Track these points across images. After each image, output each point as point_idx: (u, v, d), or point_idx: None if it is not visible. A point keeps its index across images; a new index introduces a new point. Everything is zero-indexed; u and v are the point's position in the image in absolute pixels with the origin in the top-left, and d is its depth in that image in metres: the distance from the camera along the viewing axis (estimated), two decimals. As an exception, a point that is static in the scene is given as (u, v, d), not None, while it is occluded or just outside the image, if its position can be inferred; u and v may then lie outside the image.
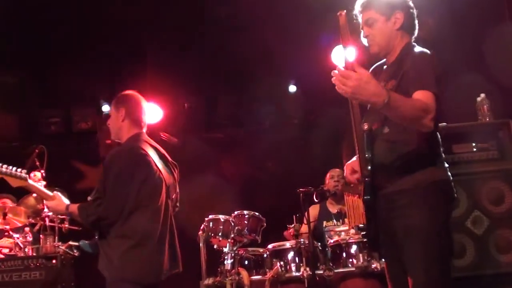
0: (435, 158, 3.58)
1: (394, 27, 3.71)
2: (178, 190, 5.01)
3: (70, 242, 6.68)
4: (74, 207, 4.69)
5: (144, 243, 4.55)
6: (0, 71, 8.70)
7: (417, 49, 3.67)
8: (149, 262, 4.57)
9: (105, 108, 8.91)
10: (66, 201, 4.81)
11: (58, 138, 9.38)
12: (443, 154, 3.65)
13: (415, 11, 3.80)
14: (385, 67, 3.82)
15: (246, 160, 8.59)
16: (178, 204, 5.01)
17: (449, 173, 3.61)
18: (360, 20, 3.81)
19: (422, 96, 3.34)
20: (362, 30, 3.81)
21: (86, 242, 4.84)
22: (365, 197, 3.47)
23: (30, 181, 4.85)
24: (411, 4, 3.80)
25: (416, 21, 3.81)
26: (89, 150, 9.47)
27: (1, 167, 4.79)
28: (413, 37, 3.79)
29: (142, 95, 8.53)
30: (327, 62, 8.31)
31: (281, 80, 8.91)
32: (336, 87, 3.25)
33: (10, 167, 4.81)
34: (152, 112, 8.88)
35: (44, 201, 4.91)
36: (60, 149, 9.33)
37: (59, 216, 6.53)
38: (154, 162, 4.76)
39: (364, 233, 3.66)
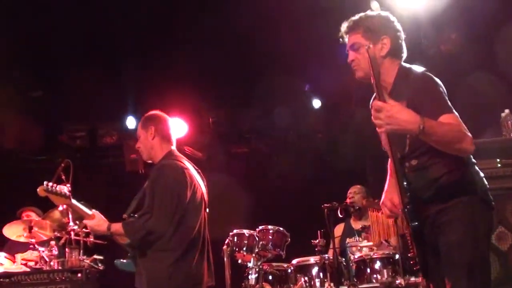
0: (470, 170, 3.55)
1: (380, 53, 3.59)
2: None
3: (95, 256, 6.74)
4: (117, 226, 4.72)
5: (187, 256, 4.63)
6: (26, 85, 8.81)
7: (415, 70, 3.59)
8: (192, 274, 4.66)
9: (130, 122, 8.95)
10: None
11: (83, 152, 9.44)
12: (475, 161, 3.60)
13: (402, 34, 3.68)
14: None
15: (270, 174, 8.58)
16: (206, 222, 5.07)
17: (486, 182, 3.58)
18: (346, 41, 3.72)
19: (449, 119, 3.33)
20: (347, 53, 3.71)
21: (123, 261, 4.90)
22: (412, 224, 3.43)
23: (73, 200, 4.92)
24: (398, 27, 3.68)
25: (404, 44, 3.68)
26: (114, 164, 9.56)
27: (47, 185, 4.85)
28: (402, 60, 3.67)
29: (166, 110, 8.68)
30: (353, 76, 8.31)
31: (306, 94, 8.90)
32: (373, 119, 3.23)
33: (55, 185, 4.88)
34: (177, 127, 8.95)
35: (84, 220, 4.95)
36: (84, 163, 9.45)
37: (84, 230, 6.59)
38: (195, 177, 4.86)
39: (413, 261, 3.63)
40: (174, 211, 4.63)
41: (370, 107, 3.28)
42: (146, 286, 4.64)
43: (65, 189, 4.96)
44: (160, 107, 8.52)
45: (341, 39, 3.76)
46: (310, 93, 8.85)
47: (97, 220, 4.82)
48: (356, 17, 3.69)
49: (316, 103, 8.97)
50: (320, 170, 8.48)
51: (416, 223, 3.42)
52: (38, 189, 4.91)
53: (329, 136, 8.78)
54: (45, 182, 4.90)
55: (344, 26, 3.72)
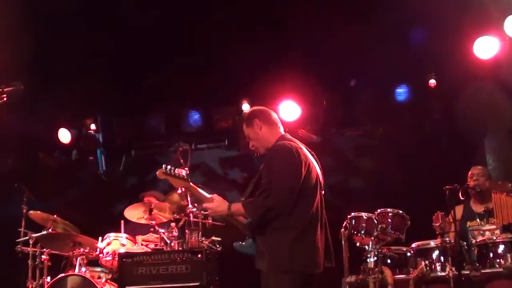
0: None
1: None
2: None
3: (213, 238, 6.85)
4: (237, 205, 4.80)
5: (307, 234, 4.65)
6: (143, 72, 9.03)
7: None
8: (312, 252, 4.66)
9: (245, 107, 9.00)
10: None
11: (199, 137, 9.58)
12: None
13: None
14: None
15: (387, 156, 8.41)
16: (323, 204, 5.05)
17: None
18: None
19: None
20: None
21: (242, 243, 4.97)
22: None
23: (191, 183, 5.04)
24: None
25: None
26: (229, 148, 9.66)
27: (165, 168, 4.98)
28: None
29: (279, 94, 8.71)
30: (470, 54, 8.06)
31: (421, 74, 8.65)
32: None
33: (174, 168, 5.00)
34: (290, 110, 8.95)
35: (204, 204, 5.06)
36: (200, 147, 9.60)
37: (203, 212, 6.71)
38: (309, 158, 4.86)
39: None
40: (292, 188, 4.64)
41: None
42: (267, 265, 4.69)
43: (183, 172, 5.07)
44: (273, 90, 8.64)
45: None
46: (427, 72, 8.58)
47: (217, 202, 4.92)
48: None
49: (432, 83, 8.67)
50: (438, 152, 8.23)
51: None
52: (157, 172, 5.06)
53: (447, 117, 8.48)
54: (163, 165, 5.03)
55: None
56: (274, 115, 5.12)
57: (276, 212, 4.62)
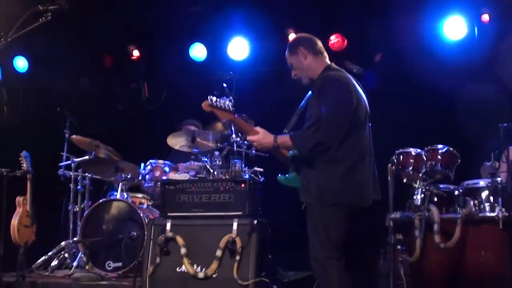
0: None
1: None
2: None
3: (255, 168, 6.80)
4: (284, 138, 4.78)
5: (357, 167, 4.65)
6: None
7: None
8: (361, 185, 4.67)
9: (291, 36, 8.77)
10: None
11: (244, 66, 9.43)
12: None
13: None
14: None
15: (437, 92, 8.14)
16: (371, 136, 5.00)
17: None
18: None
19: None
20: None
21: (286, 175, 4.91)
22: None
23: (236, 115, 4.99)
24: None
25: None
26: (272, 77, 9.48)
27: (211, 100, 4.89)
28: None
29: (327, 24, 8.50)
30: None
31: (474, 7, 8.32)
32: None
33: (219, 99, 4.90)
34: (337, 41, 8.75)
35: (249, 137, 4.99)
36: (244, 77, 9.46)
37: (246, 142, 6.63)
38: (358, 89, 4.81)
39: None
40: (342, 121, 4.58)
41: None
42: (315, 197, 4.62)
43: (229, 103, 4.98)
44: (319, 21, 8.43)
45: None
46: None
47: (262, 133, 4.88)
48: None
49: (485, 18, 8.30)
50: (493, 89, 7.93)
51: None
52: (203, 104, 4.98)
53: (498, 52, 8.13)
54: (209, 97, 4.94)
55: None
56: (320, 44, 5.00)
57: (326, 145, 4.56)
